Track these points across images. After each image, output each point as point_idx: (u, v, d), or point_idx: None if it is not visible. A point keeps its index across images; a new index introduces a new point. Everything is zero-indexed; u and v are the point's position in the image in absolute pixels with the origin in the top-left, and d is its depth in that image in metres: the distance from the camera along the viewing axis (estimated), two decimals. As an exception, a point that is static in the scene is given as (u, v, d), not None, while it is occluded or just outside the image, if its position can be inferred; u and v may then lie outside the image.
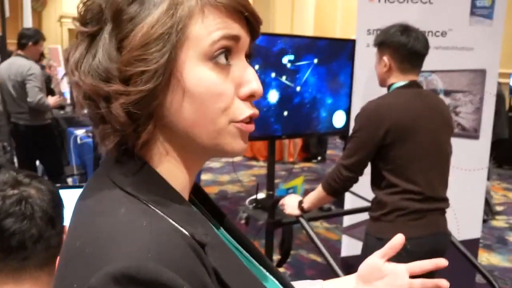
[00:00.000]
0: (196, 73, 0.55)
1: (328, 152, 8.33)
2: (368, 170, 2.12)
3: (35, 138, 4.40)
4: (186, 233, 0.53)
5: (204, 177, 6.59)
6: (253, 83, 0.59)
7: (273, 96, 2.70)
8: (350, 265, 3.35)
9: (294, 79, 2.74)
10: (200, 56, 0.55)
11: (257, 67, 2.59)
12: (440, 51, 2.94)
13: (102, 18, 0.54)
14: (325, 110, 2.92)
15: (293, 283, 0.87)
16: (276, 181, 5.01)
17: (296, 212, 2.26)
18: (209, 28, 0.55)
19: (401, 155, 1.98)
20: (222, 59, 0.57)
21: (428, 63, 2.95)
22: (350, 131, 2.93)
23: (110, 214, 0.52)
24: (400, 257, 1.97)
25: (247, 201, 2.88)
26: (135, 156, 0.57)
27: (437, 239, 2.07)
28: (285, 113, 2.76)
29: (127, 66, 0.52)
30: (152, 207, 0.54)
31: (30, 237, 0.90)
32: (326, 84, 2.88)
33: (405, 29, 2.02)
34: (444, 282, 0.81)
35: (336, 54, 2.86)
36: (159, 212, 0.54)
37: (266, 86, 2.65)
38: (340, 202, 3.19)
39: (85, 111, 0.57)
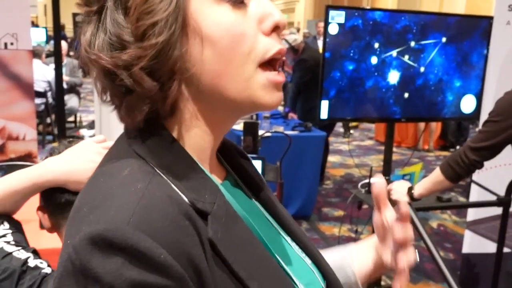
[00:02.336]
0: (211, 16, 0.52)
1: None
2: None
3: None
4: (186, 200, 0.51)
5: (332, 159, 6.54)
6: (275, 14, 0.55)
7: (394, 77, 2.57)
8: (472, 264, 3.10)
9: (418, 59, 2.58)
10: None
11: (377, 45, 2.48)
12: None
13: None
14: (452, 94, 2.70)
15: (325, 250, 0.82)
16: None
17: (404, 198, 2.14)
18: None
19: None
20: None
21: None
22: (481, 118, 2.69)
23: (112, 175, 0.52)
24: None
25: (359, 185, 2.79)
26: (157, 123, 0.56)
27: None
28: (406, 95, 2.61)
29: (137, 23, 0.51)
30: (158, 171, 0.53)
31: None
32: (455, 65, 2.65)
33: None
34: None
35: (468, 32, 2.61)
36: (164, 176, 0.53)
37: (386, 66, 2.53)
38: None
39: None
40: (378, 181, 0.75)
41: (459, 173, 1.92)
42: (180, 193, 0.52)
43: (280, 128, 4.22)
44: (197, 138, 0.58)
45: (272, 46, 0.55)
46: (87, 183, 0.54)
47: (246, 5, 0.54)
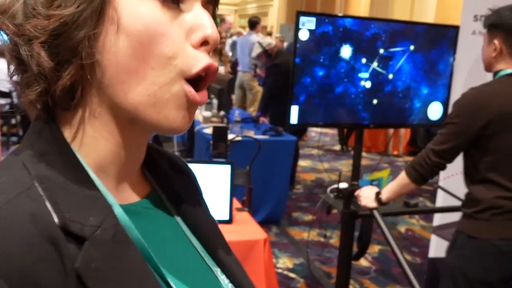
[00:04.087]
0: (135, 7, 0.48)
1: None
2: (461, 168, 1.97)
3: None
4: (56, 220, 0.44)
5: (302, 163, 6.58)
6: (206, 28, 0.50)
7: (363, 83, 2.59)
8: (437, 268, 3.15)
9: (386, 66, 2.61)
10: None
11: (347, 51, 2.50)
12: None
13: None
14: (419, 101, 2.74)
15: None
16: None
17: (372, 204, 2.16)
18: None
19: (503, 148, 1.82)
20: None
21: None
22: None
23: None
24: (495, 257, 1.83)
25: (328, 190, 2.81)
26: (53, 120, 0.51)
27: None
28: (375, 101, 2.64)
29: None
30: (36, 184, 0.46)
31: None
32: (423, 73, 2.70)
33: None
34: None
35: (435, 41, 2.66)
36: (40, 191, 0.46)
37: (355, 72, 2.56)
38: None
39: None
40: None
41: (423, 175, 1.94)
42: (53, 212, 0.44)
43: (251, 133, 4.22)
44: (96, 145, 0.51)
45: (200, 59, 0.50)
46: None
47: (179, 10, 0.50)
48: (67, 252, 0.43)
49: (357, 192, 2.26)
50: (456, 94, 2.76)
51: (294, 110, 2.49)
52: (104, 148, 0.52)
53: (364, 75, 2.57)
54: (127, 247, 0.48)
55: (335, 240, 4.09)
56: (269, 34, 11.43)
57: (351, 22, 2.51)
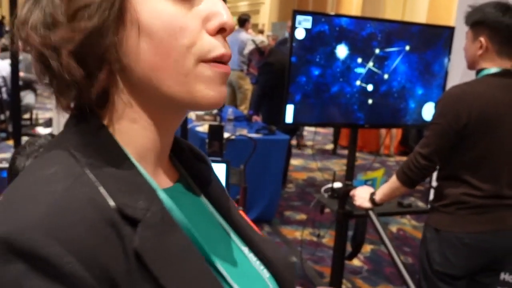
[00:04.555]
0: (151, 6, 0.49)
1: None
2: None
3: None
4: (112, 204, 0.47)
5: (294, 162, 6.57)
6: (222, 15, 0.52)
7: (358, 83, 2.59)
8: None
9: (382, 66, 2.61)
10: None
11: (342, 51, 2.50)
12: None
13: None
14: (414, 101, 2.75)
15: None
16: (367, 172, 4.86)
17: (367, 204, 2.17)
18: None
19: (477, 149, 1.85)
20: None
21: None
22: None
23: (35, 171, 0.48)
24: (457, 249, 1.88)
25: (322, 189, 2.81)
26: (92, 115, 0.53)
27: (502, 235, 1.92)
28: (370, 101, 2.64)
29: (69, 3, 0.47)
30: (88, 171, 0.49)
31: None
32: (418, 74, 2.70)
33: (508, 8, 1.84)
34: None
35: (431, 41, 2.66)
36: (93, 177, 0.48)
37: (351, 72, 2.55)
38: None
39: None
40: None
41: (414, 179, 1.95)
42: (107, 196, 0.48)
43: (244, 131, 4.21)
44: (135, 134, 0.54)
45: (216, 47, 0.52)
46: (17, 176, 0.50)
47: (193, 1, 0.52)
48: (125, 234, 0.46)
49: (352, 192, 2.26)
50: (450, 95, 2.77)
51: (290, 109, 2.48)
52: (142, 136, 0.54)
53: (360, 72, 2.56)
54: (174, 228, 0.51)
55: (327, 239, 4.09)
56: (261, 32, 11.41)
57: (347, 21, 2.50)
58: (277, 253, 0.68)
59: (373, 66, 2.59)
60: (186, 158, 0.67)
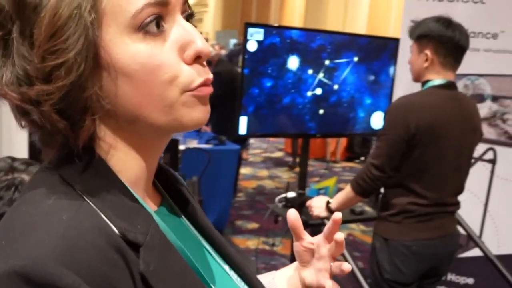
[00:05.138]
0: (125, 49, 0.49)
1: (373, 153, 8.15)
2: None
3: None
4: (116, 231, 0.48)
5: (243, 171, 6.59)
6: (196, 42, 0.52)
7: (309, 94, 2.63)
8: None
9: (332, 77, 2.66)
10: (126, 30, 0.48)
11: (294, 62, 2.54)
12: (490, 54, 2.79)
13: (7, 18, 0.47)
14: (363, 111, 2.82)
15: None
16: (315, 179, 4.94)
17: (324, 214, 2.20)
18: None
19: (424, 158, 1.91)
20: (153, 28, 0.49)
21: (477, 66, 2.81)
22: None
23: (34, 203, 0.48)
24: (406, 257, 1.95)
25: (276, 199, 2.82)
26: (84, 148, 0.52)
27: (445, 241, 2.02)
28: (321, 111, 2.69)
29: (42, 63, 0.46)
30: (87, 199, 0.49)
31: None
32: (366, 84, 2.78)
33: (450, 22, 1.92)
34: (346, 265, 0.71)
35: (377, 53, 2.75)
36: (92, 205, 0.49)
37: (302, 83, 2.59)
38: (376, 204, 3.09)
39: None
40: (290, 212, 0.76)
41: (367, 189, 1.99)
42: (110, 223, 0.48)
43: (194, 142, 4.18)
44: (126, 163, 0.55)
45: (195, 77, 0.53)
46: (7, 213, 0.49)
47: (164, 33, 0.51)
48: (130, 259, 0.47)
49: (308, 203, 2.28)
50: (397, 104, 2.86)
51: (243, 121, 2.49)
52: (133, 164, 0.55)
53: (311, 83, 2.61)
54: (170, 250, 0.53)
55: (280, 247, 4.12)
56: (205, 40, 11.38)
57: (298, 34, 2.55)
58: (251, 268, 0.72)
59: (323, 77, 2.64)
60: (166, 180, 0.68)
